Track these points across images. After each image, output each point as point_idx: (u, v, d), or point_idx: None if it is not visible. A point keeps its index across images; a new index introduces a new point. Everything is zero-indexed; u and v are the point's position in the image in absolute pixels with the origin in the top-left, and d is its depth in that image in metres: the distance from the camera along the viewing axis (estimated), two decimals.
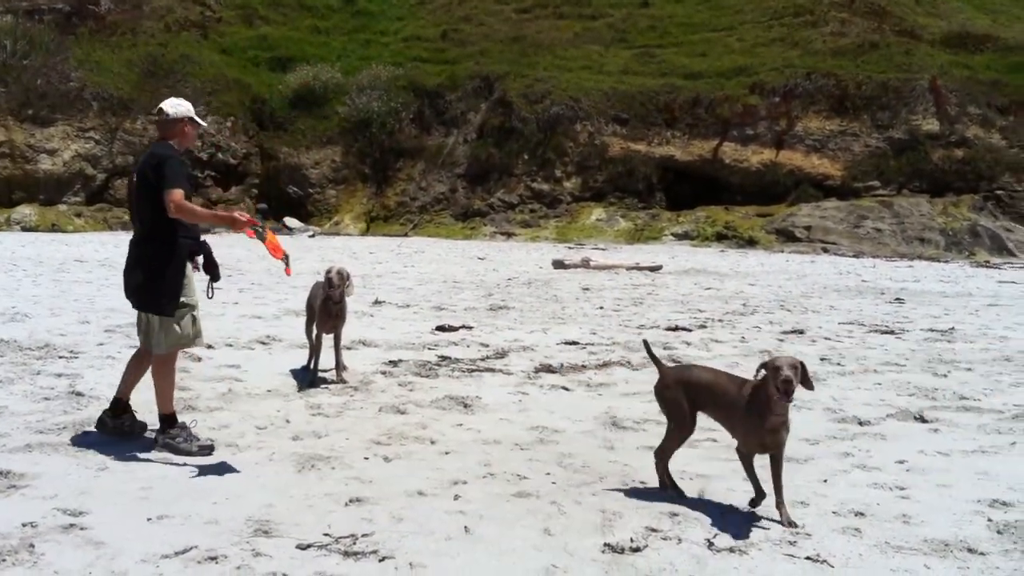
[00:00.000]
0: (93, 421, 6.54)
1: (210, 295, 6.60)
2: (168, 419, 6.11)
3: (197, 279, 6.31)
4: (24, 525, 4.53)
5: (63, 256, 21.76)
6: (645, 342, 5.68)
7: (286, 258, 6.09)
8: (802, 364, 4.85)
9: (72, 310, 12.23)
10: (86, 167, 37.32)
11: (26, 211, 34.75)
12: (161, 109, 6.25)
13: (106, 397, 7.28)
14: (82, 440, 6.11)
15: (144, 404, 6.42)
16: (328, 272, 8.10)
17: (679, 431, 5.31)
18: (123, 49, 42.23)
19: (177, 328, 6.06)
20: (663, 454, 5.40)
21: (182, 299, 6.05)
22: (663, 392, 5.35)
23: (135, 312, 6.21)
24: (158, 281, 6.00)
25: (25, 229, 33.10)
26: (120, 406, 6.28)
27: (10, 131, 36.09)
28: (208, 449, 5.99)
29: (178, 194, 5.78)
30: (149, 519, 4.70)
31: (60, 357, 8.91)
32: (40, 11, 42.92)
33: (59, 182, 36.61)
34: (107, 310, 12.30)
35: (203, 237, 6.41)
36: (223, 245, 28.87)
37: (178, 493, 5.12)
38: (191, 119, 6.27)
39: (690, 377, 5.33)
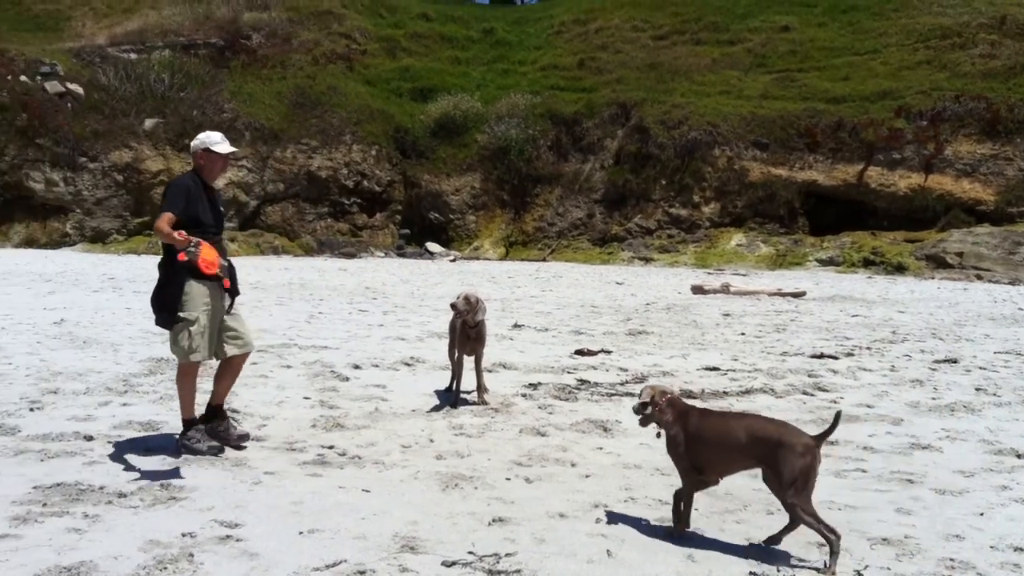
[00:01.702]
0: (247, 436, 6.82)
1: (230, 311, 6.79)
2: (186, 423, 6.51)
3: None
4: (184, 535, 4.74)
5: None
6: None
7: (223, 268, 6.25)
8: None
9: None
10: (239, 194, 38.83)
11: None
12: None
13: (259, 414, 7.60)
14: (237, 455, 6.36)
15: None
16: (457, 298, 8.28)
17: None
18: (273, 81, 43.86)
19: (175, 342, 6.38)
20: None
21: (180, 314, 6.31)
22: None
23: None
24: (160, 296, 6.40)
25: None
26: (213, 409, 6.73)
27: (168, 160, 37.86)
28: (217, 449, 6.40)
29: (162, 218, 6.17)
30: (300, 533, 4.85)
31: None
32: (196, 46, 45.06)
33: None
34: (259, 331, 12.73)
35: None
36: (369, 270, 29.65)
37: (327, 508, 5.27)
38: (206, 150, 6.60)
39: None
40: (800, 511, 4.61)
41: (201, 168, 6.64)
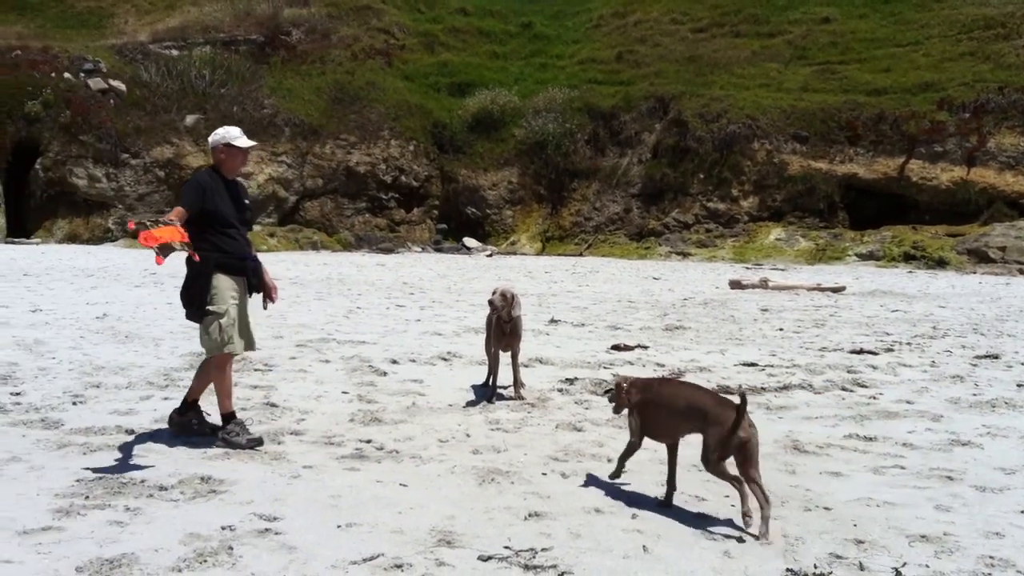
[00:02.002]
0: (287, 431, 6.89)
1: (264, 307, 6.98)
2: (225, 417, 6.56)
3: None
4: (223, 528, 4.79)
5: None
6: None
7: (161, 248, 5.82)
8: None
9: (266, 326, 12.82)
10: (279, 190, 39.14)
11: None
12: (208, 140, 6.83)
13: (298, 408, 7.67)
14: (276, 449, 6.42)
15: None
16: (493, 293, 8.30)
17: None
18: (312, 77, 44.15)
19: (207, 334, 6.46)
20: None
21: (209, 307, 6.40)
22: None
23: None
24: (188, 290, 6.48)
25: None
26: (187, 405, 6.78)
27: (209, 156, 38.18)
28: (256, 442, 6.43)
29: (173, 211, 6.27)
30: (339, 526, 4.89)
31: (255, 370, 9.37)
32: (236, 42, 45.46)
33: (253, 204, 38.25)
34: (298, 325, 12.87)
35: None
36: (406, 265, 29.77)
37: (365, 502, 5.31)
38: (227, 145, 6.64)
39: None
40: (718, 473, 5.15)
41: (222, 163, 6.69)
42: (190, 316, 6.54)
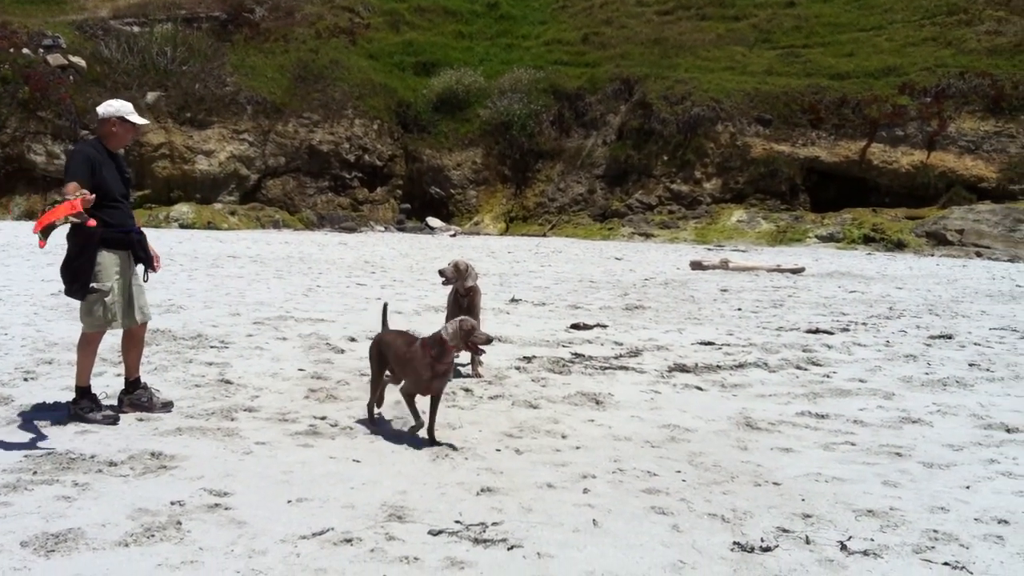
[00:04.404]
0: (241, 408, 6.86)
1: (144, 279, 6.84)
2: (80, 391, 6.49)
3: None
4: (172, 503, 4.77)
5: (217, 252, 22.66)
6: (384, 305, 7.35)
7: (43, 232, 5.72)
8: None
9: (224, 303, 12.75)
10: (240, 168, 38.77)
11: (184, 209, 36.35)
12: (96, 109, 6.67)
13: (253, 385, 7.63)
14: (229, 426, 6.39)
15: (161, 381, 6.59)
16: (447, 265, 8.36)
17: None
18: (275, 55, 43.68)
19: (89, 313, 6.40)
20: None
21: (92, 284, 6.30)
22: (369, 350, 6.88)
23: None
24: (70, 268, 6.33)
25: (182, 226, 34.62)
26: (130, 384, 6.79)
27: (170, 133, 37.80)
28: (111, 419, 6.36)
29: (67, 187, 6.06)
30: (289, 501, 4.89)
31: (211, 347, 9.31)
32: (198, 19, 44.87)
33: (215, 182, 38.15)
34: (257, 303, 12.79)
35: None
36: (368, 244, 29.66)
37: (317, 478, 5.31)
38: (121, 119, 6.53)
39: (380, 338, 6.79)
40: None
41: (110, 136, 6.57)
42: (71, 293, 6.40)
